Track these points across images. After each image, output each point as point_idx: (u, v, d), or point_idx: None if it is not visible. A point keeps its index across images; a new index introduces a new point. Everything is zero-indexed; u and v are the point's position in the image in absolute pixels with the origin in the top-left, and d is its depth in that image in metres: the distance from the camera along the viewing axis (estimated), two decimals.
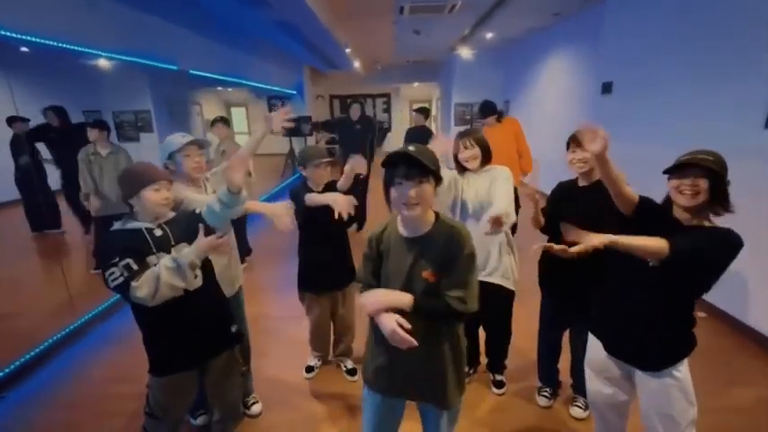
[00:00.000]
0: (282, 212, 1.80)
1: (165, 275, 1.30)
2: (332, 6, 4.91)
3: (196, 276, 1.46)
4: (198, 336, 1.50)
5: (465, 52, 7.85)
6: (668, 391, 1.32)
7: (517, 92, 8.09)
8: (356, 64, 9.01)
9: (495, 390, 2.25)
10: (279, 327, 2.95)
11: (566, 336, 2.06)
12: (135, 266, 1.30)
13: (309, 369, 2.43)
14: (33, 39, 2.67)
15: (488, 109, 3.95)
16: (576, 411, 2.05)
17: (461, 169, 2.05)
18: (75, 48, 3.02)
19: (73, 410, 2.20)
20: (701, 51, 3.11)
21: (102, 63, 3.67)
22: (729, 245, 1.21)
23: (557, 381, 2.18)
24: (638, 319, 1.36)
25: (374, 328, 1.23)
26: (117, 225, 1.43)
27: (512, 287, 2.06)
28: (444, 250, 1.16)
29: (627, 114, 4.04)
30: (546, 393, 2.16)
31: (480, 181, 1.98)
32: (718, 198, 1.23)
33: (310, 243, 2.20)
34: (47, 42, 2.79)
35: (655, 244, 1.18)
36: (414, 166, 1.11)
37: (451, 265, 1.15)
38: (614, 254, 1.27)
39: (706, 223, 1.27)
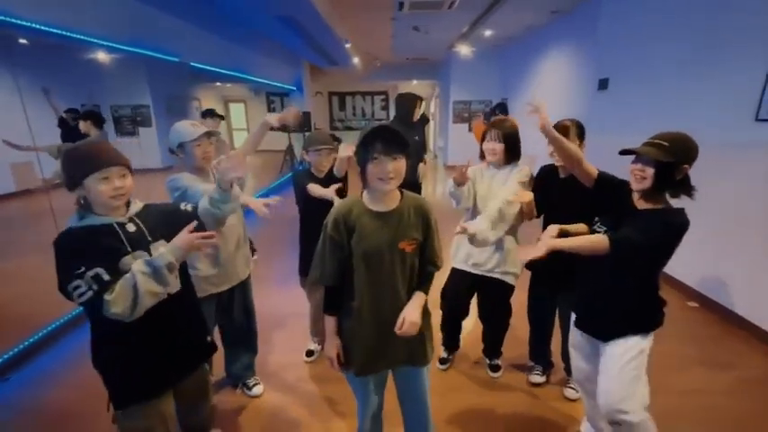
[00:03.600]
0: (258, 205, 1.83)
1: (142, 283, 1.07)
2: (332, 0, 4.95)
3: (177, 277, 1.28)
4: (174, 350, 1.29)
5: (464, 50, 7.89)
6: (616, 359, 1.39)
7: (515, 89, 8.14)
8: (355, 61, 9.03)
9: (491, 373, 2.30)
10: (280, 314, 2.98)
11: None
12: (107, 277, 1.05)
13: (310, 353, 2.48)
14: (33, 25, 2.66)
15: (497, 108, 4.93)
16: (570, 392, 2.10)
17: (483, 157, 1.98)
18: (75, 35, 3.00)
19: (73, 390, 2.23)
20: (695, 47, 3.17)
21: (101, 57, 3.65)
22: (672, 229, 1.28)
23: (548, 360, 2.23)
24: (604, 295, 1.46)
25: (350, 320, 1.33)
26: (72, 221, 1.13)
27: (512, 282, 2.08)
28: (416, 219, 1.29)
29: (622, 110, 4.11)
30: (538, 372, 2.22)
31: (497, 179, 1.94)
32: (664, 185, 1.30)
33: (312, 231, 2.23)
34: (47, 29, 2.77)
35: (595, 243, 1.30)
36: (391, 141, 1.17)
37: (426, 233, 1.30)
38: None
39: (659, 206, 1.34)
